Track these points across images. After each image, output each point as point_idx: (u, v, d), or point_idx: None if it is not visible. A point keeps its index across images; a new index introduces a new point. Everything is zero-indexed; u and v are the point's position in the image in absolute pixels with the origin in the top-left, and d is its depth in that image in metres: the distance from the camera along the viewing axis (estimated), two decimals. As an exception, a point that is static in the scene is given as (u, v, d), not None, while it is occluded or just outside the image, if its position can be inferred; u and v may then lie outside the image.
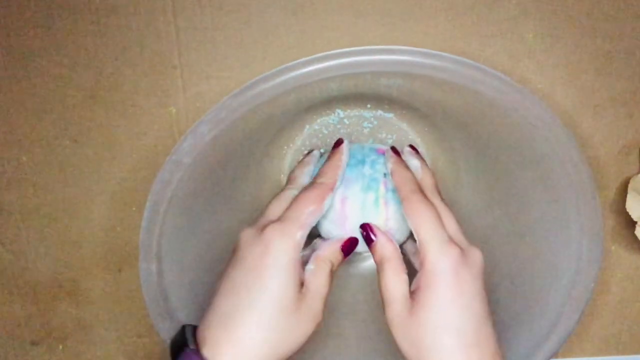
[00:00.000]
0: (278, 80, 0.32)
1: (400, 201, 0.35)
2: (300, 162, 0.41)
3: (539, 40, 0.39)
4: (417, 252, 0.34)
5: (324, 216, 0.37)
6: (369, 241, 0.36)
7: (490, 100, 0.33)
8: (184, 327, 0.33)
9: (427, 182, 0.38)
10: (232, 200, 0.41)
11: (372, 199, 0.37)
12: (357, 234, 0.37)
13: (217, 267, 0.35)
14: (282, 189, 0.38)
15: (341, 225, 0.37)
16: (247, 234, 0.34)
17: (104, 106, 0.39)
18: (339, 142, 0.39)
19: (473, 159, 0.42)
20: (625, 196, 0.42)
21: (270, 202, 0.37)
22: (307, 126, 0.42)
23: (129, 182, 0.41)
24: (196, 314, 0.37)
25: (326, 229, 0.38)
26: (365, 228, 0.36)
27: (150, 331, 0.45)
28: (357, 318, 0.45)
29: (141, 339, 0.45)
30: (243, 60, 0.38)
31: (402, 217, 0.37)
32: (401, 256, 0.35)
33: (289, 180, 0.39)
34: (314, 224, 0.34)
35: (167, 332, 0.37)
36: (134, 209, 0.42)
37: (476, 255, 0.34)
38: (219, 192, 0.40)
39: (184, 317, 0.37)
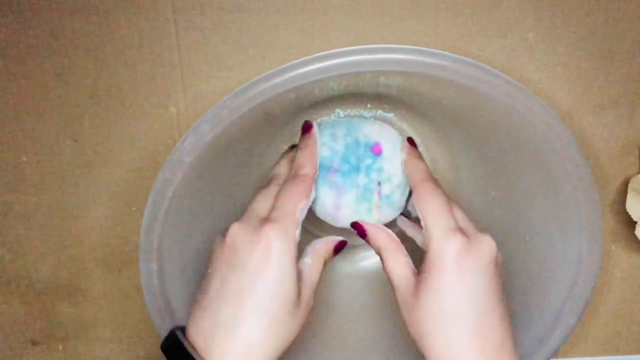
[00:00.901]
0: (278, 80, 0.32)
1: (412, 190, 0.36)
2: (282, 157, 0.40)
3: (539, 40, 0.39)
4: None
5: (319, 210, 0.39)
6: (362, 236, 0.37)
7: (491, 99, 0.34)
8: (174, 334, 0.32)
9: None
10: (232, 200, 0.41)
11: (366, 207, 0.38)
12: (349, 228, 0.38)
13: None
14: (268, 184, 0.37)
15: (334, 222, 0.39)
16: (240, 233, 0.33)
17: (104, 106, 0.39)
18: (308, 127, 0.38)
19: (473, 159, 0.42)
20: (625, 196, 0.42)
21: (255, 197, 0.36)
22: (307, 126, 0.42)
23: (129, 182, 0.41)
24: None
25: (320, 217, 0.39)
26: (356, 227, 0.38)
27: (150, 331, 0.45)
28: (356, 318, 0.45)
29: (141, 339, 0.45)
30: (243, 60, 0.38)
31: (393, 218, 0.39)
32: (397, 240, 0.36)
33: (275, 177, 0.38)
34: (304, 218, 0.35)
35: (167, 332, 0.37)
36: (134, 209, 0.42)
37: (485, 243, 0.33)
38: (219, 192, 0.40)
39: (184, 317, 0.37)
